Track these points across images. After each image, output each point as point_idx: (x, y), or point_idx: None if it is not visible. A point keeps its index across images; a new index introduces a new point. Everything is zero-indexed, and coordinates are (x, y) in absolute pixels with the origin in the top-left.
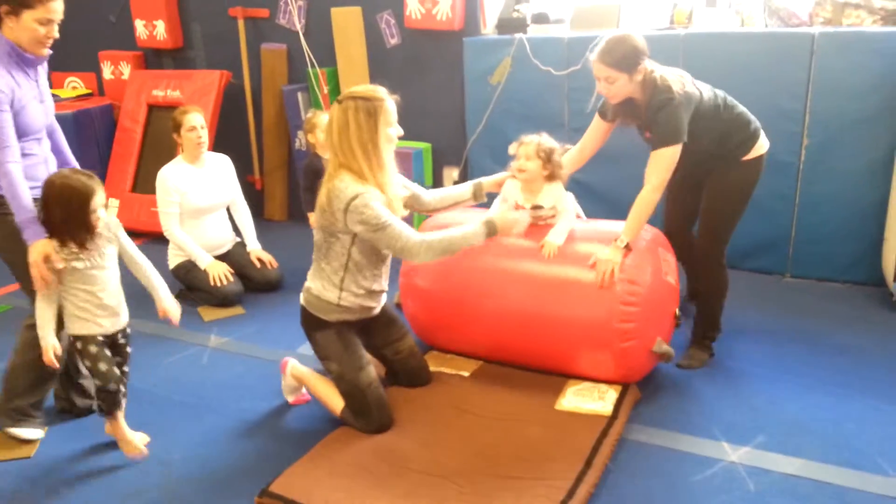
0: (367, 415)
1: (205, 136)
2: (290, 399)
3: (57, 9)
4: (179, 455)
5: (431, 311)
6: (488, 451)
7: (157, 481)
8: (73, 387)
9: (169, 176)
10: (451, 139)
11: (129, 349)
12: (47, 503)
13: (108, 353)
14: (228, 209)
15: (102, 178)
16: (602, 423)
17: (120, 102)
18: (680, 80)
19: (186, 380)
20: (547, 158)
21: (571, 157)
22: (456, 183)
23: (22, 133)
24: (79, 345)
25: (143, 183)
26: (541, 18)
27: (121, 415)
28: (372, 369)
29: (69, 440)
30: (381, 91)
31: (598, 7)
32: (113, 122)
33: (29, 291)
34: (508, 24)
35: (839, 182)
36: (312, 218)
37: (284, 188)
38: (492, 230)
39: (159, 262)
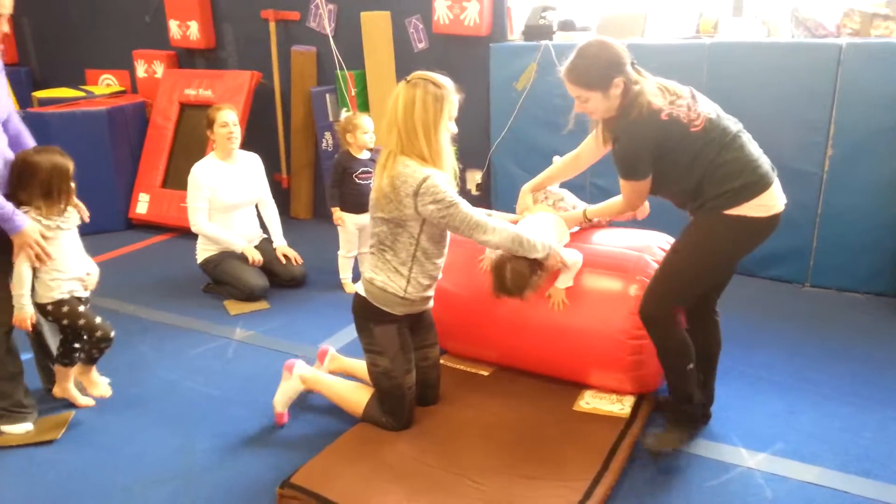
0: (397, 415)
1: (237, 132)
2: (279, 409)
3: (4, 2)
4: (203, 445)
5: (449, 314)
6: (506, 450)
7: (181, 470)
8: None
9: (201, 172)
10: (475, 143)
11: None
12: (70, 488)
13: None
14: (257, 206)
15: (134, 173)
16: (620, 426)
17: (152, 100)
18: (663, 101)
19: (211, 371)
20: (531, 274)
21: (565, 163)
22: (478, 186)
23: None
24: (64, 309)
25: (174, 179)
26: (567, 26)
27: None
28: (414, 374)
29: (93, 428)
30: (449, 82)
31: (625, 16)
32: (145, 120)
33: None
34: (535, 31)
35: (862, 193)
36: (337, 213)
37: (310, 187)
38: (546, 254)
39: (188, 257)
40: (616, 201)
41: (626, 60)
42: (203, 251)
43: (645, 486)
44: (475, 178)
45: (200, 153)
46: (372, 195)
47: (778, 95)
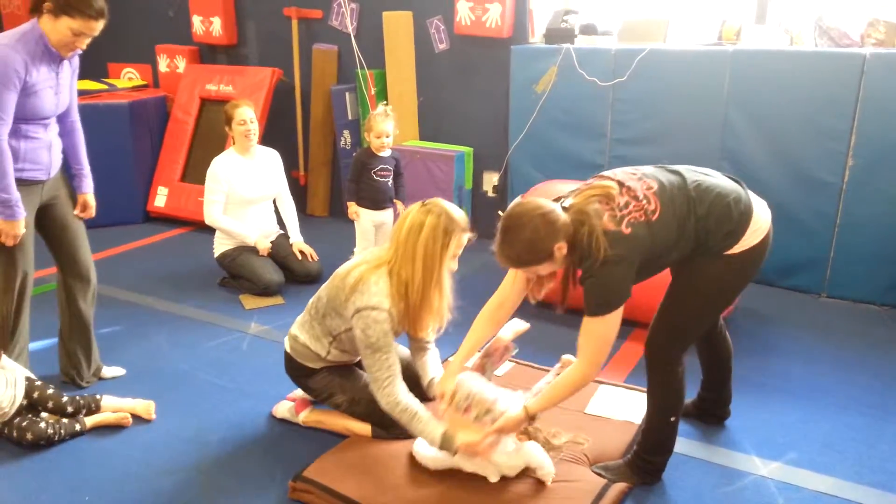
0: (396, 423)
1: (254, 129)
2: (278, 416)
3: (95, 27)
4: (216, 437)
5: None
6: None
7: (194, 461)
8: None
9: (220, 166)
10: (494, 144)
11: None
12: (85, 476)
13: (30, 418)
14: (274, 202)
15: (154, 167)
16: (632, 431)
17: (174, 95)
18: (612, 216)
19: (226, 364)
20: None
21: (488, 319)
22: (495, 188)
23: (29, 116)
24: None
25: (193, 173)
26: (589, 30)
27: (90, 420)
28: None
29: None
30: (464, 219)
31: (647, 21)
32: (166, 114)
33: None
34: (556, 34)
35: (883, 204)
36: (353, 208)
37: (327, 185)
38: (445, 446)
39: (202, 249)
40: (566, 381)
41: (558, 215)
42: (220, 245)
43: (655, 491)
44: (492, 179)
45: (220, 148)
46: (342, 270)
47: (800, 104)
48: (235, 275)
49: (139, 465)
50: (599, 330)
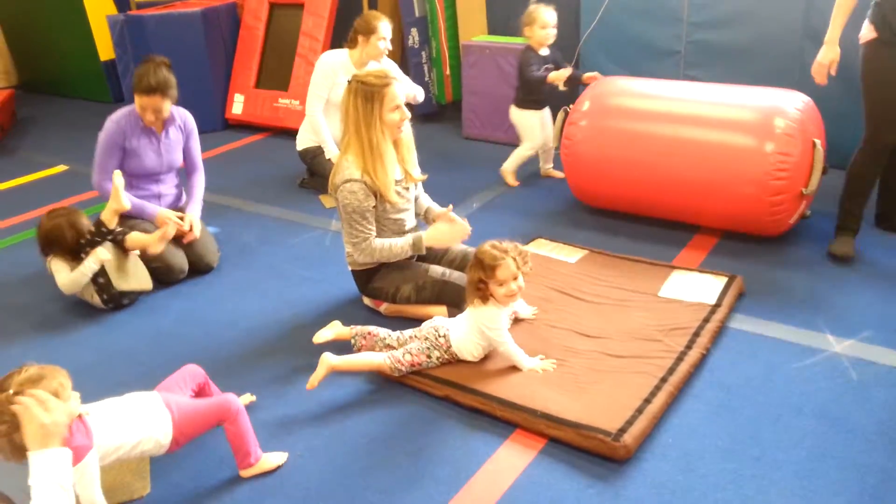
0: (464, 295)
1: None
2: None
3: (153, 102)
4: (310, 320)
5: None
6: (592, 331)
7: (290, 341)
8: None
9: (329, 61)
10: (564, 36)
11: None
12: (197, 351)
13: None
14: None
15: (228, 74)
16: (705, 311)
17: (243, 1)
18: None
19: (311, 258)
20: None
21: None
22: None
23: (137, 172)
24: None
25: (266, 79)
26: None
27: None
28: (435, 266)
29: (210, 301)
30: (382, 77)
31: None
32: (237, 21)
33: None
34: None
35: None
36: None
37: None
38: (417, 248)
39: (280, 154)
40: None
41: None
42: (305, 139)
43: (728, 366)
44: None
45: (291, 53)
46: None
47: None
48: (315, 172)
49: (242, 347)
50: None
